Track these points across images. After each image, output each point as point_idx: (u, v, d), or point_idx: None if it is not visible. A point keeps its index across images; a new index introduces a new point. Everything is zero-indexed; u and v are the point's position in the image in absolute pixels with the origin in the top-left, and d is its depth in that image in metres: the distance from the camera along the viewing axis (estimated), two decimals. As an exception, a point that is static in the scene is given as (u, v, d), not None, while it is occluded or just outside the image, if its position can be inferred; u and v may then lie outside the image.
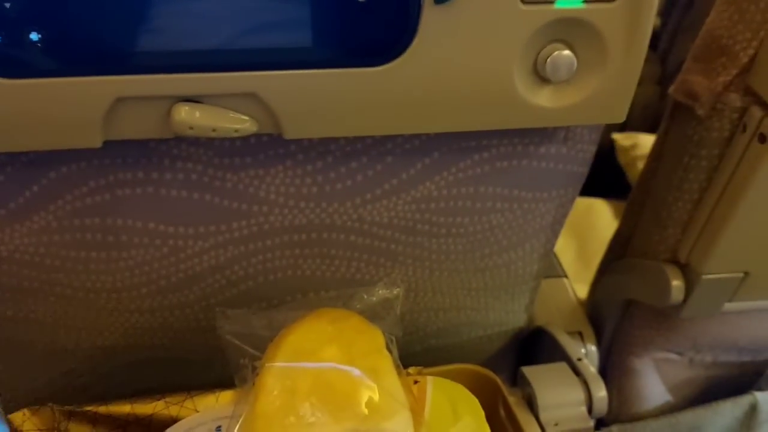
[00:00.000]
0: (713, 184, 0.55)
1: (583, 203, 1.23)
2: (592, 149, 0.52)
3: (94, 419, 0.45)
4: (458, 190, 0.50)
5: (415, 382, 0.46)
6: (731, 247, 0.55)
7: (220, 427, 0.44)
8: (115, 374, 0.57)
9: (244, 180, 0.47)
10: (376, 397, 0.38)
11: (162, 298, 0.52)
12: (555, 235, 0.57)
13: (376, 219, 0.51)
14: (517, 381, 0.57)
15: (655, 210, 0.62)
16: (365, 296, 0.46)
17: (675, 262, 0.60)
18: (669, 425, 0.70)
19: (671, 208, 0.59)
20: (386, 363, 0.41)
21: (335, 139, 0.46)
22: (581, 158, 0.51)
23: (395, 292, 0.47)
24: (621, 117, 0.44)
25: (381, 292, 0.47)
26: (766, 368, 0.72)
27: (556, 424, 0.52)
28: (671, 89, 0.57)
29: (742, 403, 0.70)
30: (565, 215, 0.56)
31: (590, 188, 1.26)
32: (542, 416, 0.52)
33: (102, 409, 0.46)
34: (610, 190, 1.25)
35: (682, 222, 0.58)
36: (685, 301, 0.59)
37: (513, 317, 0.63)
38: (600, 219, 1.21)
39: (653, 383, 0.71)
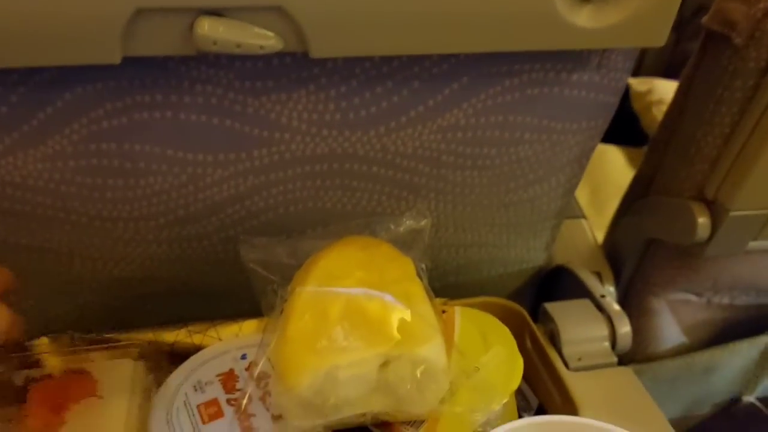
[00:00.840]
0: (746, 118, 0.53)
1: (597, 149, 1.21)
2: (625, 78, 0.50)
3: (114, 347, 0.44)
4: (486, 118, 0.48)
5: (443, 312, 0.45)
6: (761, 182, 0.54)
7: (245, 355, 0.43)
8: (133, 306, 0.56)
9: (265, 105, 0.45)
10: (409, 322, 0.37)
11: (180, 228, 0.51)
12: (581, 169, 0.56)
13: (400, 149, 0.49)
14: (539, 317, 0.56)
15: (683, 146, 0.60)
16: (392, 226, 0.45)
17: (701, 199, 0.58)
18: (685, 365, 0.70)
19: (700, 143, 0.57)
20: (418, 289, 0.40)
21: (360, 62, 0.44)
22: (613, 87, 0.50)
23: (423, 223, 0.46)
24: (661, 40, 0.43)
25: (408, 223, 0.46)
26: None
27: (580, 359, 0.52)
28: (705, 19, 0.55)
29: (758, 343, 0.69)
30: (592, 148, 0.54)
31: (603, 135, 1.23)
32: (565, 351, 0.52)
33: (123, 336, 0.45)
34: (622, 137, 1.23)
35: (711, 158, 0.56)
36: (710, 238, 0.58)
37: (534, 255, 0.62)
38: (613, 165, 1.20)
39: (670, 324, 0.70)
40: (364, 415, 0.38)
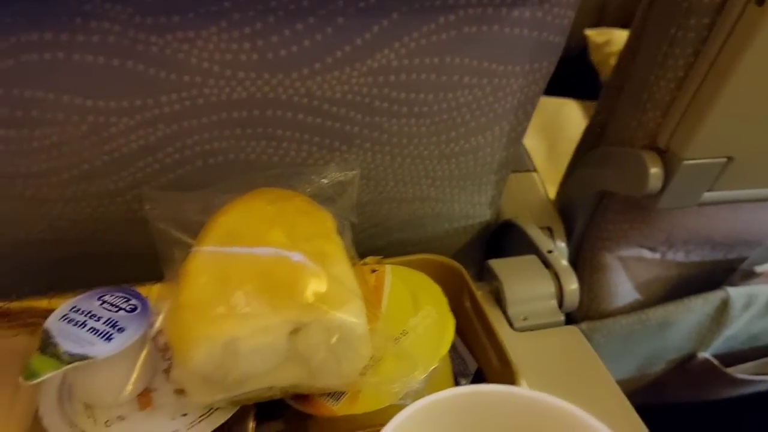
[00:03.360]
0: (700, 59, 0.50)
1: (554, 103, 1.18)
2: (570, 15, 0.46)
3: (6, 315, 0.40)
4: (421, 60, 0.44)
5: (373, 271, 0.41)
6: (716, 129, 0.51)
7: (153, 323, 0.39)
8: (46, 272, 0.51)
9: (171, 44, 0.40)
10: (322, 284, 0.33)
11: (87, 184, 0.46)
12: (527, 117, 0.52)
13: (328, 94, 0.45)
14: (484, 275, 0.53)
15: (635, 93, 0.57)
16: (314, 177, 0.41)
17: (654, 148, 0.55)
18: (639, 321, 0.68)
19: (653, 88, 0.54)
20: (335, 248, 0.36)
21: (277, -6, 0.39)
22: (558, 25, 0.46)
23: (351, 174, 0.42)
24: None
25: (333, 174, 0.41)
26: (738, 265, 0.70)
27: (525, 319, 0.49)
28: (659, -47, 0.51)
29: (713, 298, 0.67)
30: (537, 94, 0.51)
31: (561, 88, 1.20)
32: (510, 310, 0.49)
33: (15, 305, 0.40)
34: (581, 91, 1.21)
35: (663, 104, 0.53)
36: (663, 189, 0.55)
37: (480, 210, 0.59)
38: (570, 119, 1.17)
39: (624, 280, 0.68)
40: (271, 388, 0.34)
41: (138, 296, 0.36)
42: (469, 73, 0.46)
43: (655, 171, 0.54)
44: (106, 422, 0.34)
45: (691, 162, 0.53)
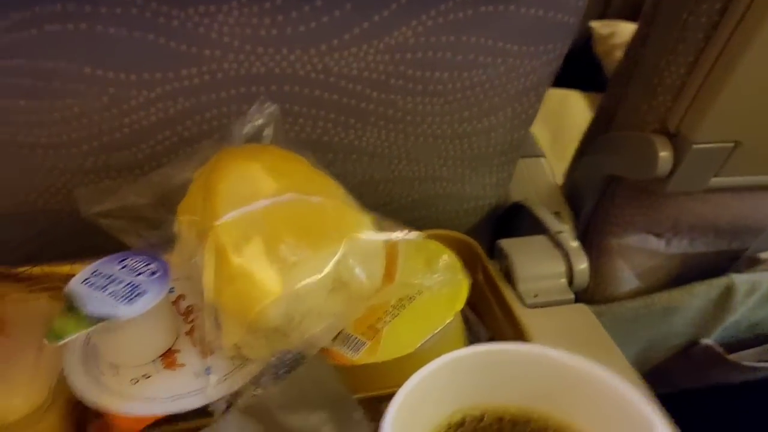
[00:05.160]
0: (711, 43, 0.50)
1: (558, 94, 1.19)
2: (585, -4, 0.47)
3: (28, 280, 0.41)
4: (437, 38, 0.45)
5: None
6: (725, 113, 0.51)
7: (173, 288, 0.40)
8: (59, 242, 0.51)
9: (192, 18, 0.41)
10: (341, 213, 0.35)
11: (106, 156, 0.47)
12: (538, 99, 0.53)
13: (344, 71, 0.45)
14: (494, 254, 0.53)
15: (645, 78, 0.57)
16: (236, 128, 0.41)
17: (664, 132, 0.56)
18: (644, 306, 0.68)
19: (663, 73, 0.54)
20: (325, 178, 0.39)
21: (298, -30, 0.40)
22: (572, 6, 0.46)
23: (268, 111, 0.42)
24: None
25: (256, 118, 0.42)
26: (742, 254, 0.71)
27: (536, 296, 0.49)
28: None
29: (718, 284, 0.68)
30: (551, 75, 0.51)
31: (565, 80, 1.21)
32: (520, 287, 0.49)
33: (37, 270, 0.41)
34: (585, 83, 1.21)
35: (674, 88, 0.54)
36: (671, 173, 0.56)
37: (490, 191, 0.60)
38: (574, 110, 1.17)
39: (630, 265, 0.69)
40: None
41: (158, 260, 0.36)
42: (484, 53, 0.46)
43: (664, 155, 0.54)
44: (132, 380, 0.34)
45: (700, 146, 0.53)
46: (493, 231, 0.65)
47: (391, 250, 0.45)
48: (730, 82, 0.50)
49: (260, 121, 0.42)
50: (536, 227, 0.58)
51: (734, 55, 0.48)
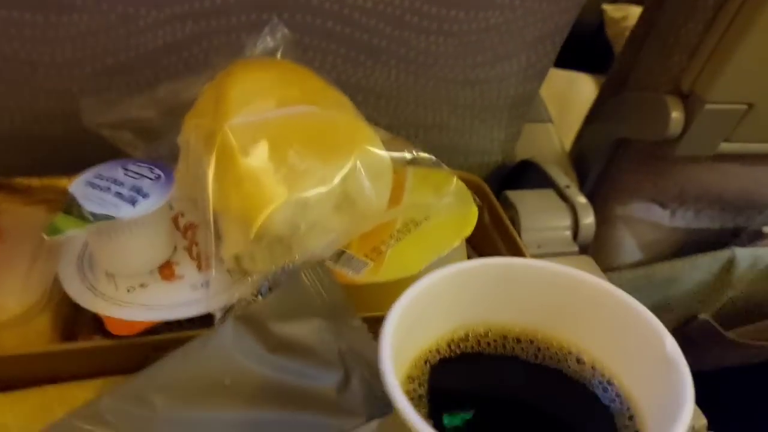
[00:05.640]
0: (730, 0, 0.49)
1: (566, 76, 1.18)
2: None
3: (27, 191, 0.40)
4: (455, -27, 0.44)
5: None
6: (741, 72, 0.51)
7: (172, 206, 0.39)
8: (56, 165, 0.50)
9: (206, -67, 0.40)
10: (353, 127, 0.34)
11: (108, 81, 0.46)
12: (554, 48, 0.52)
13: (359, 2, 0.44)
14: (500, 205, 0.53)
15: (661, 38, 0.56)
16: (248, 45, 0.40)
17: (676, 93, 0.55)
18: (645, 276, 0.68)
19: (680, 31, 0.54)
20: (341, 96, 0.38)
21: None
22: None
23: (281, 34, 0.41)
24: None
25: (266, 41, 0.41)
26: (745, 228, 0.70)
27: (539, 246, 0.49)
28: None
29: (720, 257, 0.68)
30: (567, 24, 0.50)
31: (575, 63, 1.19)
32: (525, 237, 0.49)
33: (36, 182, 0.40)
34: (596, 67, 1.20)
35: (690, 47, 0.53)
36: (682, 135, 0.55)
37: (497, 146, 0.59)
38: (582, 92, 1.16)
39: (633, 235, 0.68)
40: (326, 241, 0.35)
41: (162, 167, 0.35)
42: (501, -7, 0.46)
43: (676, 114, 0.54)
44: (128, 289, 0.33)
45: (712, 106, 0.52)
46: (498, 191, 0.64)
47: (399, 172, 0.45)
48: (747, 40, 0.49)
49: (272, 44, 0.41)
50: (544, 184, 0.58)
51: (753, 12, 0.48)
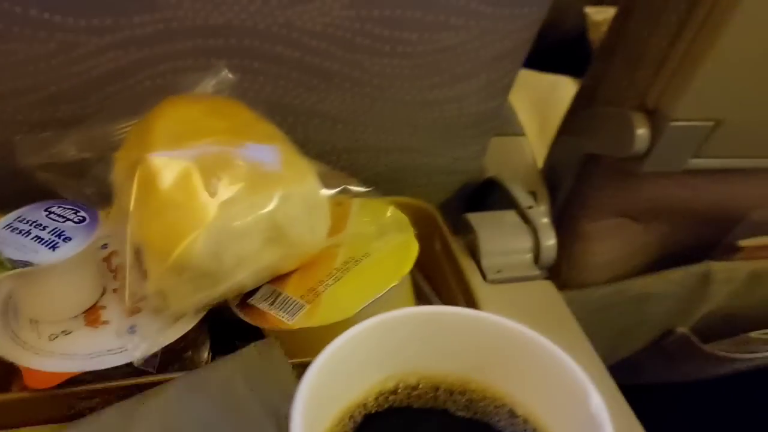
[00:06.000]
0: (693, 14, 0.48)
1: (548, 80, 1.17)
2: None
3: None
4: (406, -6, 0.43)
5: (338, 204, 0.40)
6: (705, 88, 0.50)
7: (106, 245, 0.38)
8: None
9: (145, -41, 0.39)
10: (287, 159, 0.33)
11: (54, 109, 0.45)
12: (515, 66, 0.51)
13: (308, 26, 0.43)
14: (460, 228, 0.52)
15: (628, 52, 0.55)
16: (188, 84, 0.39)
17: (643, 110, 0.54)
18: (618, 292, 0.67)
19: (645, 46, 0.52)
20: (273, 129, 0.37)
21: None
22: (550, -32, 0.44)
23: (223, 75, 0.40)
24: None
25: (206, 83, 0.40)
26: (720, 242, 0.69)
27: (499, 271, 0.48)
28: None
29: (695, 271, 0.67)
30: (527, 41, 0.49)
31: (557, 67, 1.18)
32: (484, 262, 0.47)
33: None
34: (579, 73, 1.19)
35: (656, 61, 0.52)
36: (649, 152, 0.54)
37: (462, 166, 0.57)
38: (564, 97, 1.15)
39: (605, 250, 0.67)
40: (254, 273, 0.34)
41: (87, 209, 0.34)
42: (455, 13, 0.44)
43: (641, 132, 0.52)
44: (50, 336, 0.32)
45: (678, 123, 0.51)
46: (466, 209, 0.63)
47: (345, 204, 0.44)
48: (711, 55, 0.48)
49: (213, 82, 0.40)
50: (510, 205, 0.56)
51: (715, 27, 0.47)
